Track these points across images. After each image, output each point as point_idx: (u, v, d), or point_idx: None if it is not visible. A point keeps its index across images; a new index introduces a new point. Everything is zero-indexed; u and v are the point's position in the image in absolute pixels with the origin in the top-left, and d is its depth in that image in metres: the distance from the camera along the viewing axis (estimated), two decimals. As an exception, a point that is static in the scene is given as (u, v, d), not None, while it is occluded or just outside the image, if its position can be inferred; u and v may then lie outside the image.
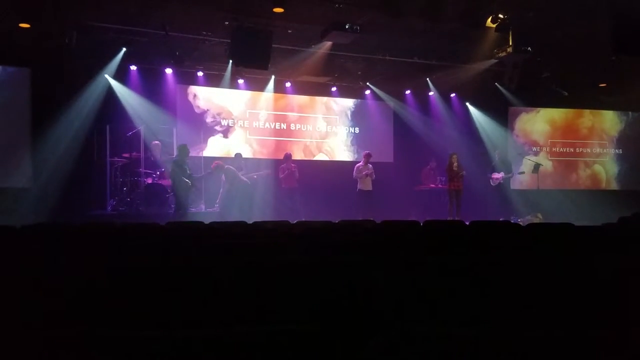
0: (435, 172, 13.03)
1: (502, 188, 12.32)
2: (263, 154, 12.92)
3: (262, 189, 11.24)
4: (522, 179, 13.77)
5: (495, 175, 12.28)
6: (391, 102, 13.91)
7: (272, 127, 13.17)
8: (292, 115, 13.36)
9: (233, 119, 12.75)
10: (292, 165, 11.53)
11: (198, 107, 12.49)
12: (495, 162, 12.61)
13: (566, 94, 13.11)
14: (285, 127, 13.30)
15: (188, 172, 9.68)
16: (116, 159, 11.00)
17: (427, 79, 12.93)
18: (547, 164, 14.39)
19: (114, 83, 11.24)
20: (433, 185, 12.91)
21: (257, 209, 10.43)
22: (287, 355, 1.13)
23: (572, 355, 1.12)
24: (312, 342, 1.13)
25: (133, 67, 11.46)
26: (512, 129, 14.64)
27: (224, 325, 1.18)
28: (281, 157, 11.99)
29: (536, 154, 14.56)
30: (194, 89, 12.48)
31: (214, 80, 12.40)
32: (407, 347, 1.10)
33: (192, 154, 11.59)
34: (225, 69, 11.80)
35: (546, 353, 1.11)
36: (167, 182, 11.05)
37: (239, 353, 1.12)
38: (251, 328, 1.14)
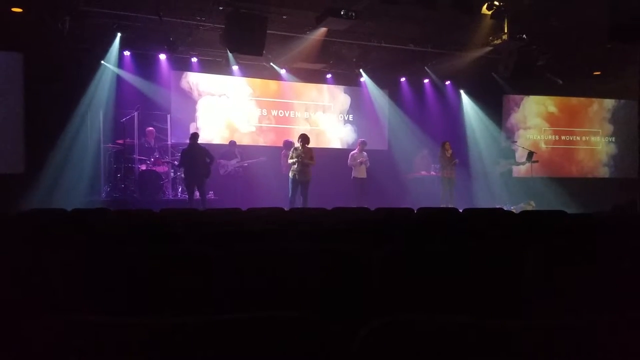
0: (429, 159, 13.05)
1: (500, 176, 12.37)
2: (258, 141, 12.87)
3: (259, 176, 11.17)
4: (517, 167, 13.83)
5: (502, 162, 12.35)
6: (386, 89, 13.88)
7: (267, 114, 13.11)
8: (286, 102, 13.28)
9: (227, 106, 12.69)
10: None
11: (192, 93, 12.43)
12: (501, 148, 12.62)
13: (561, 82, 13.12)
14: (280, 115, 13.23)
15: (198, 157, 9.77)
16: (110, 145, 10.97)
17: (425, 67, 12.88)
18: (544, 149, 14.47)
19: (112, 68, 11.18)
20: (425, 173, 12.93)
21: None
22: (282, 342, 1.14)
23: (568, 343, 1.14)
24: (306, 329, 1.14)
25: (127, 53, 11.38)
26: (507, 116, 14.65)
27: (219, 312, 1.19)
28: (276, 144, 11.91)
29: (531, 131, 14.69)
30: (188, 75, 12.40)
31: (208, 66, 12.35)
32: (401, 334, 1.11)
33: (184, 140, 11.54)
34: (219, 55, 11.74)
35: (541, 341, 1.12)
36: (161, 169, 11.02)
37: (235, 339, 1.13)
38: (245, 315, 1.15)
